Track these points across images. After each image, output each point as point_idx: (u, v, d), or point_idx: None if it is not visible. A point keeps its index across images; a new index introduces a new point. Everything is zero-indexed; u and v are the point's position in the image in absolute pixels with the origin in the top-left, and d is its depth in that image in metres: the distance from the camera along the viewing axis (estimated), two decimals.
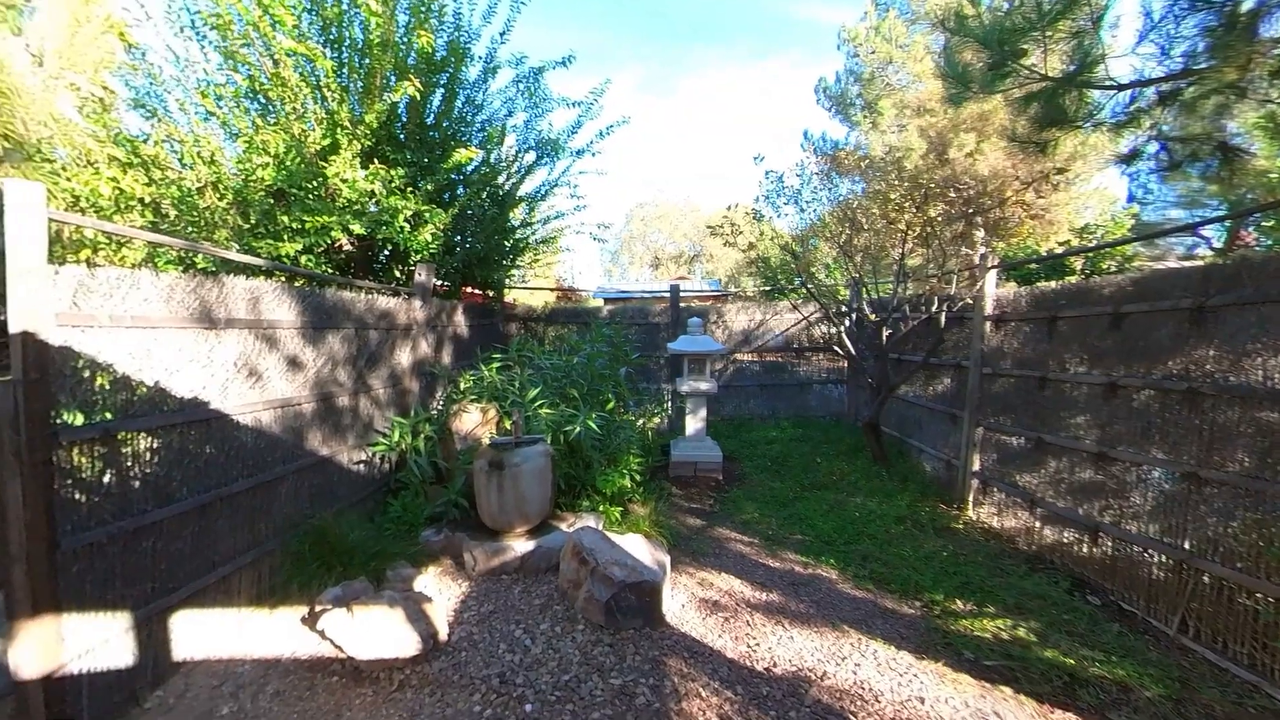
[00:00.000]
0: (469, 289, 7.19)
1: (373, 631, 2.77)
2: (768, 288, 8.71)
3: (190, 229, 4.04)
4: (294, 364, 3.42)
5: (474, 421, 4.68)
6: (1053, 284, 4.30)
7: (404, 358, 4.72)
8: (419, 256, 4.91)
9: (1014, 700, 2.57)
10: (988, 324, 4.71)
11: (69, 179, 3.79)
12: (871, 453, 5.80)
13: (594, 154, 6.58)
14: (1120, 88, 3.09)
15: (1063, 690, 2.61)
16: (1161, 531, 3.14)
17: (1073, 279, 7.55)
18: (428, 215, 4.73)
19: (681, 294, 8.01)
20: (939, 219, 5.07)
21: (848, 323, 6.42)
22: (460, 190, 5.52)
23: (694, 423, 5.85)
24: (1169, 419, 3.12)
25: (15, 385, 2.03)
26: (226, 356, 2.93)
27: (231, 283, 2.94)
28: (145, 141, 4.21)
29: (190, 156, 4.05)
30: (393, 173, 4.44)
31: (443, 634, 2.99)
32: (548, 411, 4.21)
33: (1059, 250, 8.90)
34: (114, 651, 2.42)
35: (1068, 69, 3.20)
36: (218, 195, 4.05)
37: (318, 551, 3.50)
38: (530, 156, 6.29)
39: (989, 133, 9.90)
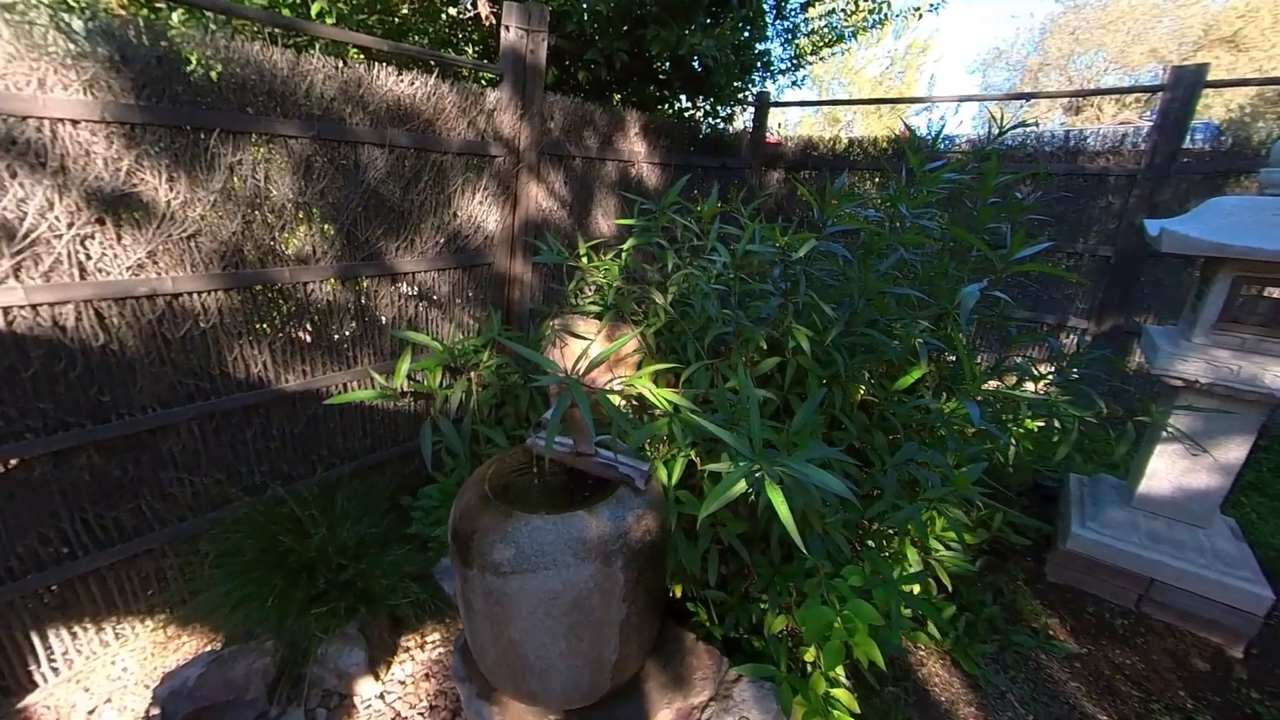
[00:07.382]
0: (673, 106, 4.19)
1: None
2: None
3: None
4: (125, 208, 1.58)
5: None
6: None
7: (485, 213, 2.46)
8: None
9: None
10: None
11: None
12: None
13: None
14: None
15: None
16: None
17: None
18: None
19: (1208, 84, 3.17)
20: None
21: None
22: None
23: (1183, 470, 2.04)
24: None
25: None
26: None
27: None
28: None
29: None
30: None
31: None
32: (671, 398, 1.43)
33: None
34: None
35: None
36: None
37: (240, 559, 1.94)
38: None
39: None
